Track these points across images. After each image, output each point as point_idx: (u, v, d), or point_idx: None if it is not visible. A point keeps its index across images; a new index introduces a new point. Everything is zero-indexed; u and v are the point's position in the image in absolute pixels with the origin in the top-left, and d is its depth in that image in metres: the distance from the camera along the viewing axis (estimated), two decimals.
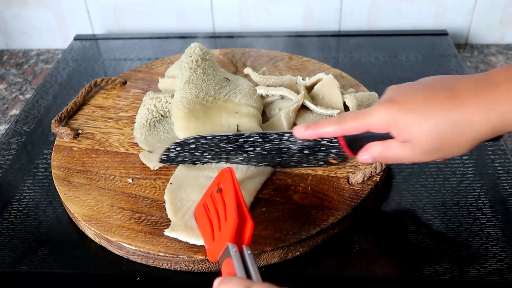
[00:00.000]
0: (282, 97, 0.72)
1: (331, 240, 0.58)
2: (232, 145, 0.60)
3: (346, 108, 0.70)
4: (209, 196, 0.54)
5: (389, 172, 0.66)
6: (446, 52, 0.94)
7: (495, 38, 1.04)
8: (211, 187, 0.55)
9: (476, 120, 0.45)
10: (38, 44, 1.11)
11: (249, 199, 0.58)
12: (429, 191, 0.63)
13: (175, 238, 0.55)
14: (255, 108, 0.68)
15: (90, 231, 0.58)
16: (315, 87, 0.73)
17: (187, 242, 0.54)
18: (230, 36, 1.02)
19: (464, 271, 0.54)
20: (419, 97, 0.47)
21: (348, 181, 0.61)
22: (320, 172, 0.62)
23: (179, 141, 0.61)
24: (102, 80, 0.80)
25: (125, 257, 0.57)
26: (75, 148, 0.69)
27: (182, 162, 0.63)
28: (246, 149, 0.60)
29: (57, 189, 0.63)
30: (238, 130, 0.64)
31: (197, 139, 0.60)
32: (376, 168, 0.60)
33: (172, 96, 0.70)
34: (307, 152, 0.58)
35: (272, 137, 0.58)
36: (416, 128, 0.47)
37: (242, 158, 0.61)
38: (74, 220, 0.61)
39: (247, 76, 0.76)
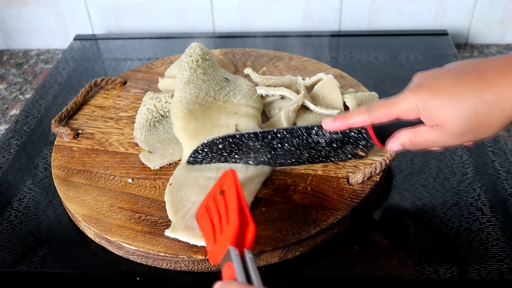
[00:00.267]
0: (282, 97, 0.72)
1: (331, 240, 0.58)
2: (260, 142, 0.59)
3: (346, 108, 0.70)
4: (211, 198, 0.54)
5: (389, 172, 0.66)
6: (446, 52, 0.94)
7: (495, 38, 1.04)
8: (213, 189, 0.55)
9: (507, 99, 0.45)
10: (38, 44, 1.12)
11: (249, 199, 0.58)
12: (429, 191, 0.63)
13: (175, 238, 0.55)
14: (254, 108, 0.68)
15: (90, 231, 0.58)
16: (315, 87, 0.73)
17: (187, 242, 0.54)
18: (230, 36, 1.02)
19: (464, 271, 0.54)
20: (448, 80, 0.47)
21: (348, 181, 0.61)
22: (320, 172, 0.62)
23: (206, 142, 0.60)
24: (102, 80, 0.80)
25: (125, 257, 0.57)
26: (75, 148, 0.69)
27: (210, 163, 0.62)
28: (274, 146, 0.59)
29: (57, 189, 0.63)
30: (237, 130, 0.64)
31: (225, 138, 0.60)
32: (376, 168, 0.60)
33: (172, 96, 0.70)
34: (335, 145, 0.58)
35: (301, 131, 0.58)
36: (447, 110, 0.47)
37: (269, 156, 0.61)
38: (74, 220, 0.61)
39: (247, 76, 0.76)
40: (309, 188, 0.60)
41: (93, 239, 0.59)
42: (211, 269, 0.55)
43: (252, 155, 0.61)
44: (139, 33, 1.06)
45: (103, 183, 0.63)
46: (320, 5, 1.02)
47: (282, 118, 0.66)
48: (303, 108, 0.70)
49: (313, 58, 0.85)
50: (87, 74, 0.92)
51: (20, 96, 0.95)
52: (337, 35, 1.02)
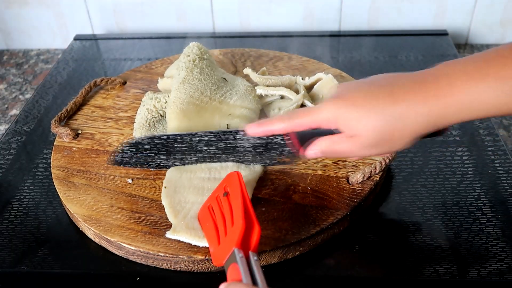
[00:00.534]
0: (282, 97, 0.72)
1: (331, 240, 0.58)
2: (186, 145, 0.60)
3: None
4: (214, 199, 0.54)
5: (389, 172, 0.66)
6: (446, 52, 0.94)
7: (495, 38, 1.04)
8: (217, 190, 0.55)
9: (415, 114, 0.47)
10: (38, 44, 1.12)
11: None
12: (429, 191, 0.63)
13: (175, 239, 0.55)
14: (249, 110, 0.68)
15: (90, 231, 0.58)
16: (315, 87, 0.73)
17: (187, 242, 0.54)
18: (230, 36, 1.02)
19: (464, 271, 0.54)
20: (365, 93, 0.49)
21: (347, 181, 0.61)
22: (319, 172, 0.62)
23: (133, 141, 0.61)
24: (101, 80, 0.80)
25: (125, 257, 0.57)
26: (74, 148, 0.69)
27: (136, 163, 0.63)
28: (200, 149, 0.60)
29: (57, 189, 0.63)
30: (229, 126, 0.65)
31: (151, 138, 0.60)
32: (375, 168, 0.60)
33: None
34: (260, 150, 0.59)
35: (226, 135, 0.59)
36: (362, 121, 0.48)
37: (196, 158, 0.61)
38: (74, 220, 0.61)
39: (246, 76, 0.76)
40: (309, 188, 0.60)
41: (93, 239, 0.59)
42: (211, 269, 0.55)
43: (178, 157, 0.61)
44: (139, 33, 1.06)
45: (103, 183, 0.63)
46: (320, 5, 1.02)
47: None
48: (303, 108, 0.70)
49: (313, 58, 0.85)
50: (87, 74, 0.92)
51: (20, 96, 0.95)
52: (337, 35, 1.02)
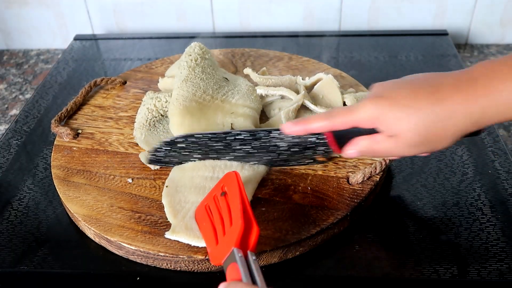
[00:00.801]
0: (282, 97, 0.72)
1: (331, 240, 0.58)
2: (221, 143, 0.60)
3: None
4: (212, 199, 0.54)
5: (389, 172, 0.66)
6: (446, 52, 0.94)
7: (495, 38, 1.04)
8: (214, 190, 0.55)
9: (458, 114, 0.47)
10: (38, 44, 1.12)
11: (248, 198, 0.58)
12: (429, 191, 0.63)
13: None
14: (251, 109, 0.68)
15: (90, 231, 0.58)
16: (315, 87, 0.73)
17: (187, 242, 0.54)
18: (230, 36, 1.02)
19: (464, 271, 0.54)
20: (406, 93, 0.49)
21: (348, 181, 0.61)
22: (320, 172, 0.62)
23: (167, 140, 0.61)
24: (102, 80, 0.80)
25: (125, 257, 0.57)
26: (75, 148, 0.69)
27: (170, 162, 0.63)
28: (234, 148, 0.60)
29: (57, 189, 0.63)
30: (232, 129, 0.64)
31: (186, 137, 0.60)
32: (376, 168, 0.60)
33: (172, 95, 0.70)
34: (295, 149, 0.59)
35: (261, 134, 0.58)
36: (403, 121, 0.48)
37: (232, 157, 0.61)
38: (74, 220, 0.61)
39: (246, 76, 0.76)
40: (309, 188, 0.60)
41: (93, 239, 0.59)
42: (211, 269, 0.55)
43: (213, 156, 0.61)
44: (139, 33, 1.06)
45: (103, 183, 0.63)
46: (320, 5, 1.02)
47: (282, 118, 0.66)
48: (303, 108, 0.70)
49: (313, 58, 0.85)
50: (87, 74, 0.92)
51: (20, 96, 0.95)
52: (337, 35, 1.02)
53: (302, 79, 0.74)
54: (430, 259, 0.55)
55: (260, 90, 0.71)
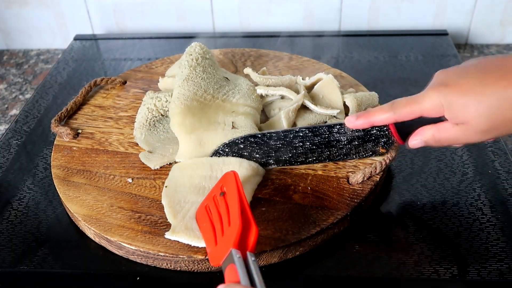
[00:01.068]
0: (282, 97, 0.72)
1: (331, 240, 0.58)
2: (281, 141, 0.60)
3: (346, 108, 0.70)
4: (211, 199, 0.54)
5: (389, 172, 0.66)
6: (446, 52, 0.94)
7: (495, 38, 1.04)
8: (213, 190, 0.55)
9: None
10: (38, 44, 1.12)
11: (247, 199, 0.58)
12: (429, 191, 0.63)
13: None
14: (252, 108, 0.68)
15: (90, 231, 0.58)
16: (315, 87, 0.73)
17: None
18: (230, 36, 1.02)
19: (464, 271, 0.54)
20: (473, 78, 0.48)
21: (348, 181, 0.61)
22: (320, 172, 0.62)
23: (227, 142, 0.61)
24: (102, 80, 0.80)
25: (125, 257, 0.57)
26: (74, 148, 0.69)
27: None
28: (295, 145, 0.60)
29: (57, 189, 0.63)
30: (233, 128, 0.65)
31: (246, 138, 0.60)
32: (376, 168, 0.60)
33: (172, 95, 0.70)
34: (356, 143, 0.58)
35: (322, 130, 0.58)
36: (472, 108, 0.47)
37: (290, 155, 0.61)
38: (74, 220, 0.61)
39: (247, 76, 0.76)
40: (309, 188, 0.60)
41: (93, 239, 0.59)
42: (211, 269, 0.55)
43: (273, 154, 0.61)
44: (139, 33, 1.06)
45: (103, 183, 0.63)
46: (320, 5, 1.02)
47: (282, 118, 0.66)
48: (303, 108, 0.70)
49: (313, 58, 0.85)
50: (87, 74, 0.92)
51: (20, 96, 0.95)
52: (337, 35, 1.02)
53: (302, 79, 0.74)
54: (430, 259, 0.55)
55: (260, 90, 0.71)
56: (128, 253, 0.56)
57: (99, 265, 0.57)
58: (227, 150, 0.62)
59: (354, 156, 0.62)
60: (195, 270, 0.55)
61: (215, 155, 0.62)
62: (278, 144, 0.60)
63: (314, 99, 0.71)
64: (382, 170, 0.61)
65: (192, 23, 1.06)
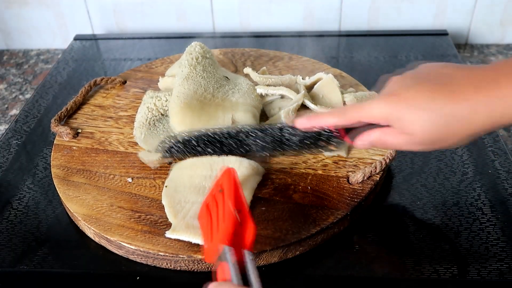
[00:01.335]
0: (282, 97, 0.72)
1: (331, 239, 0.57)
2: (234, 139, 0.60)
3: None
4: (211, 197, 0.53)
5: (389, 172, 0.66)
6: (446, 52, 0.94)
7: (495, 38, 1.04)
8: (214, 187, 0.55)
9: (479, 115, 0.46)
10: (38, 44, 1.12)
11: (247, 198, 0.58)
12: (429, 191, 0.63)
13: (175, 238, 0.55)
14: (252, 107, 0.68)
15: (90, 231, 0.58)
16: (315, 86, 0.73)
17: (187, 242, 0.54)
18: (230, 36, 1.02)
19: (464, 271, 0.54)
20: (422, 91, 0.48)
21: (348, 181, 0.61)
22: (320, 172, 0.62)
23: (180, 139, 0.61)
24: (101, 80, 0.80)
25: (125, 256, 0.57)
26: (74, 148, 0.69)
27: (185, 156, 0.63)
28: (248, 143, 0.60)
29: (57, 189, 0.63)
30: (233, 123, 0.65)
31: (198, 136, 0.60)
32: (376, 168, 0.60)
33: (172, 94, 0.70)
34: (308, 142, 0.59)
35: (274, 131, 0.59)
36: (418, 123, 0.47)
37: (243, 151, 0.61)
38: (73, 220, 0.61)
39: (247, 76, 0.76)
40: (309, 187, 0.60)
41: (93, 238, 0.59)
42: (211, 268, 0.55)
43: (226, 150, 0.62)
44: (139, 33, 1.06)
45: (102, 183, 0.63)
46: (320, 5, 1.02)
47: (282, 117, 0.67)
48: (303, 107, 0.70)
49: (313, 58, 0.85)
50: (87, 74, 0.92)
51: (20, 96, 0.95)
52: (337, 35, 1.02)
53: (302, 78, 0.74)
54: (430, 259, 0.55)
55: (260, 90, 0.71)
56: (128, 252, 0.56)
57: (99, 265, 0.57)
58: (180, 146, 0.61)
59: (306, 153, 0.63)
60: (195, 270, 0.55)
61: (169, 151, 0.62)
62: (230, 142, 0.61)
63: (314, 99, 0.71)
64: (382, 169, 0.61)
65: (192, 23, 1.06)
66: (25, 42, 1.11)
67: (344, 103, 0.70)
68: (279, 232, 0.55)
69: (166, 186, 0.60)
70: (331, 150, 0.62)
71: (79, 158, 0.67)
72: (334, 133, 0.56)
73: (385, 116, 0.49)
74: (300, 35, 1.01)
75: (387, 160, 0.61)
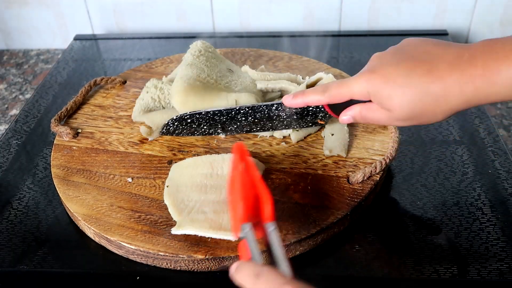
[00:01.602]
0: (282, 95, 0.72)
1: (331, 239, 0.57)
2: (225, 117, 0.65)
3: None
4: (235, 172, 0.51)
5: (389, 171, 0.66)
6: None
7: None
8: (234, 165, 0.51)
9: (452, 92, 0.48)
10: (38, 44, 1.12)
11: None
12: (429, 191, 0.63)
13: (175, 237, 0.55)
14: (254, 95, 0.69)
15: (90, 231, 0.58)
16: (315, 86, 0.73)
17: (187, 242, 0.54)
18: (230, 36, 1.02)
19: (464, 270, 0.54)
20: (401, 69, 0.50)
21: (348, 181, 0.61)
22: (320, 172, 0.62)
23: (175, 117, 0.65)
24: (102, 79, 0.80)
25: (125, 256, 0.57)
26: (74, 147, 0.69)
27: (181, 133, 0.68)
28: (239, 119, 0.65)
29: (57, 189, 0.63)
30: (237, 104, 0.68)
31: (192, 114, 0.65)
32: (376, 167, 0.60)
33: None
34: (295, 117, 0.64)
35: (262, 108, 0.64)
36: (396, 99, 0.50)
37: (235, 127, 0.66)
38: (73, 220, 0.61)
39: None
40: (309, 187, 0.60)
41: (93, 238, 0.59)
42: (211, 268, 0.55)
43: (219, 126, 0.67)
44: (139, 33, 1.06)
45: (102, 182, 0.63)
46: (320, 5, 1.02)
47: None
48: None
49: (313, 58, 0.85)
50: (87, 74, 0.92)
51: (20, 96, 0.95)
52: (337, 35, 1.02)
53: (302, 78, 0.74)
54: (430, 259, 0.55)
55: (260, 85, 0.71)
56: (128, 252, 0.56)
57: (99, 264, 0.57)
58: (176, 124, 0.66)
59: (295, 127, 0.66)
60: (195, 270, 0.55)
61: (166, 131, 0.67)
62: (222, 119, 0.65)
63: None
64: (382, 169, 0.61)
65: (192, 23, 1.06)
66: (25, 42, 1.11)
67: None
68: (279, 232, 0.55)
69: (167, 186, 0.60)
70: (319, 124, 0.66)
71: (79, 158, 0.67)
72: (320, 108, 0.61)
73: (365, 92, 0.52)
74: (300, 35, 1.01)
75: (387, 160, 0.61)
